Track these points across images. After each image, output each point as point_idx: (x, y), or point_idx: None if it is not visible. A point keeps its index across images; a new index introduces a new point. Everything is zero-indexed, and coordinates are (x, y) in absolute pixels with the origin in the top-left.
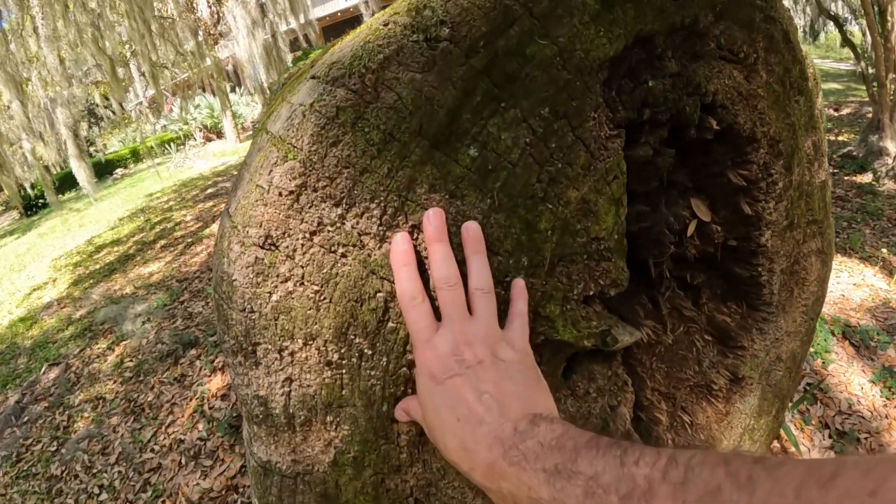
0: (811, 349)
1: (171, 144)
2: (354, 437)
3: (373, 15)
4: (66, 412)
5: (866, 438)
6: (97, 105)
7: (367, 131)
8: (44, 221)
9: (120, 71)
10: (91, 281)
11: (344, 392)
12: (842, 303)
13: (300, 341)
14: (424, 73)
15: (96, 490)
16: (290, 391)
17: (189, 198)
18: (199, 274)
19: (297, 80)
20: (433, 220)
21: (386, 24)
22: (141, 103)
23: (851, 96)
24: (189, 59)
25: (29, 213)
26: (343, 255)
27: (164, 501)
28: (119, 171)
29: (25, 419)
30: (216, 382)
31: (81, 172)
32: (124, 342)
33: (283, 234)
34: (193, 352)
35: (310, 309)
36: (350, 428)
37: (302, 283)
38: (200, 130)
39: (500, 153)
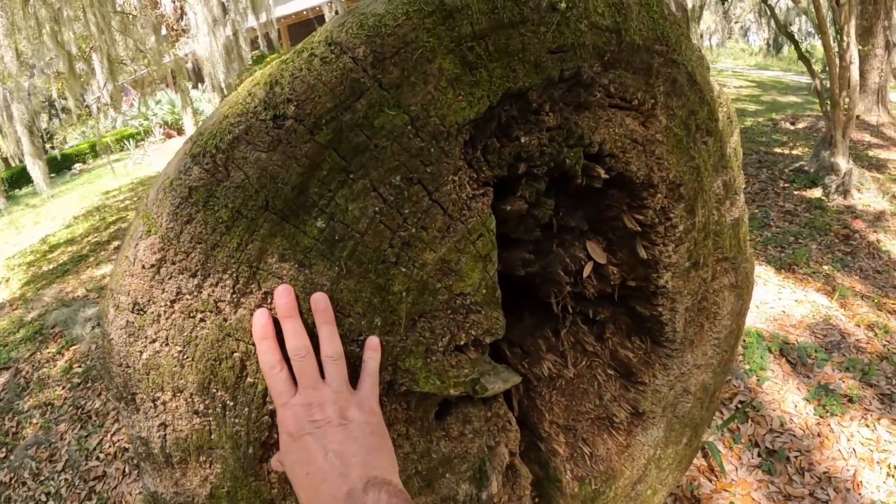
0: (746, 366)
1: (131, 140)
2: (226, 475)
3: (336, 14)
4: (16, 418)
5: (796, 457)
6: (56, 98)
7: (216, 210)
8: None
9: (80, 66)
10: (44, 281)
11: (213, 437)
12: (782, 319)
13: (169, 393)
14: (269, 153)
15: (43, 497)
16: (165, 434)
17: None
18: None
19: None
20: (282, 296)
21: (248, 94)
22: (100, 98)
23: (809, 110)
24: (150, 56)
25: None
26: (202, 320)
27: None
28: (77, 166)
29: None
30: None
31: (36, 170)
32: (73, 347)
33: (148, 301)
34: None
35: (175, 366)
36: (221, 467)
37: (167, 344)
38: (161, 127)
39: (348, 223)
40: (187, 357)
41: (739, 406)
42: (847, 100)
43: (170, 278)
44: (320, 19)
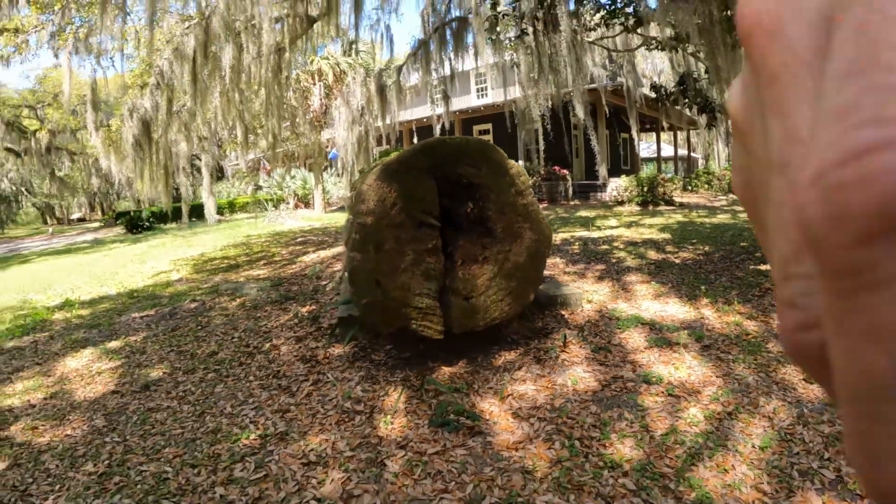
0: (619, 329)
1: (268, 203)
2: None
3: (442, 127)
4: (206, 316)
5: (617, 352)
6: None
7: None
8: (150, 238)
9: (251, 137)
10: (209, 272)
11: None
12: (666, 316)
13: None
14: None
15: (229, 339)
16: None
17: (282, 242)
18: (294, 277)
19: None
20: None
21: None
22: (238, 165)
23: None
24: (300, 138)
25: (133, 230)
26: None
27: (270, 346)
28: (217, 216)
29: (177, 317)
30: (305, 310)
31: (210, 204)
32: (244, 297)
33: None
34: (292, 303)
35: None
36: None
37: None
38: (293, 197)
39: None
40: None
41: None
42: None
43: None
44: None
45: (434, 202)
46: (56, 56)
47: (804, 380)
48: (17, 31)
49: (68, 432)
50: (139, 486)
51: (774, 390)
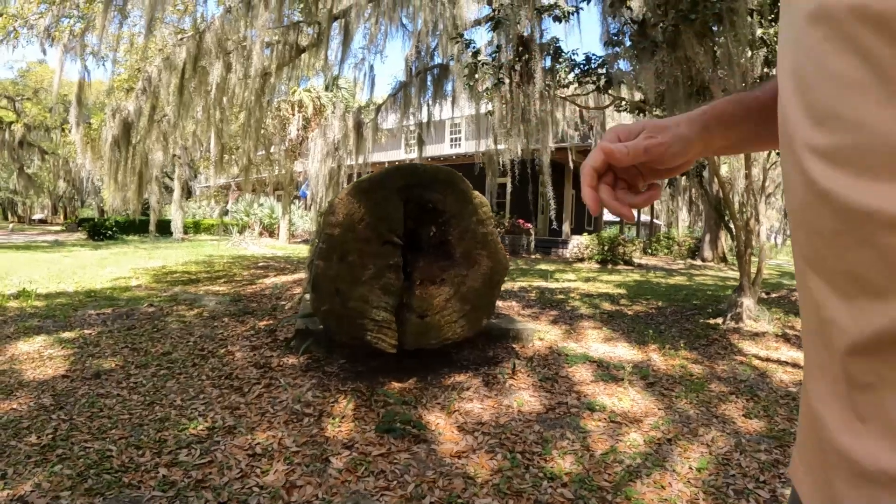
0: (568, 365)
1: (234, 228)
2: None
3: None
4: (163, 321)
5: (563, 382)
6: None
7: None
8: (112, 247)
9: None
10: (169, 283)
11: None
12: (614, 356)
13: None
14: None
15: (184, 343)
16: None
17: (244, 264)
18: (253, 295)
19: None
20: None
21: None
22: (208, 187)
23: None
24: (274, 165)
25: (96, 237)
26: None
27: (225, 351)
28: (181, 234)
29: (134, 317)
30: (263, 323)
31: (177, 217)
32: (202, 308)
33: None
34: (249, 316)
35: None
36: None
37: None
38: (259, 225)
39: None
40: None
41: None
42: (752, 254)
43: None
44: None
45: (400, 222)
46: (44, 52)
47: (744, 415)
48: (15, 17)
49: (14, 406)
50: (81, 461)
51: (714, 422)
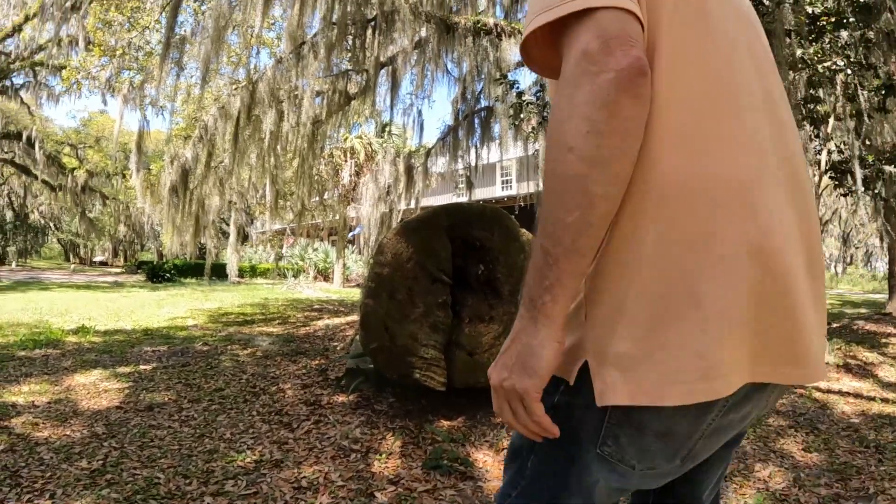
0: None
1: (289, 272)
2: None
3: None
4: (216, 359)
5: None
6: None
7: None
8: (170, 289)
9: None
10: (224, 324)
11: None
12: None
13: None
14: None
15: (236, 380)
16: None
17: (299, 307)
18: (306, 336)
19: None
20: None
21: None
22: (264, 232)
23: None
24: (327, 210)
25: (154, 279)
26: None
27: (276, 389)
28: (237, 277)
29: (188, 355)
30: (315, 363)
31: (233, 260)
32: (255, 348)
33: None
34: (302, 356)
35: None
36: None
37: None
38: (314, 269)
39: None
40: None
41: None
42: None
43: None
44: None
45: (447, 260)
46: (105, 102)
47: (803, 448)
48: (77, 69)
49: (67, 433)
50: (129, 486)
51: (772, 457)
